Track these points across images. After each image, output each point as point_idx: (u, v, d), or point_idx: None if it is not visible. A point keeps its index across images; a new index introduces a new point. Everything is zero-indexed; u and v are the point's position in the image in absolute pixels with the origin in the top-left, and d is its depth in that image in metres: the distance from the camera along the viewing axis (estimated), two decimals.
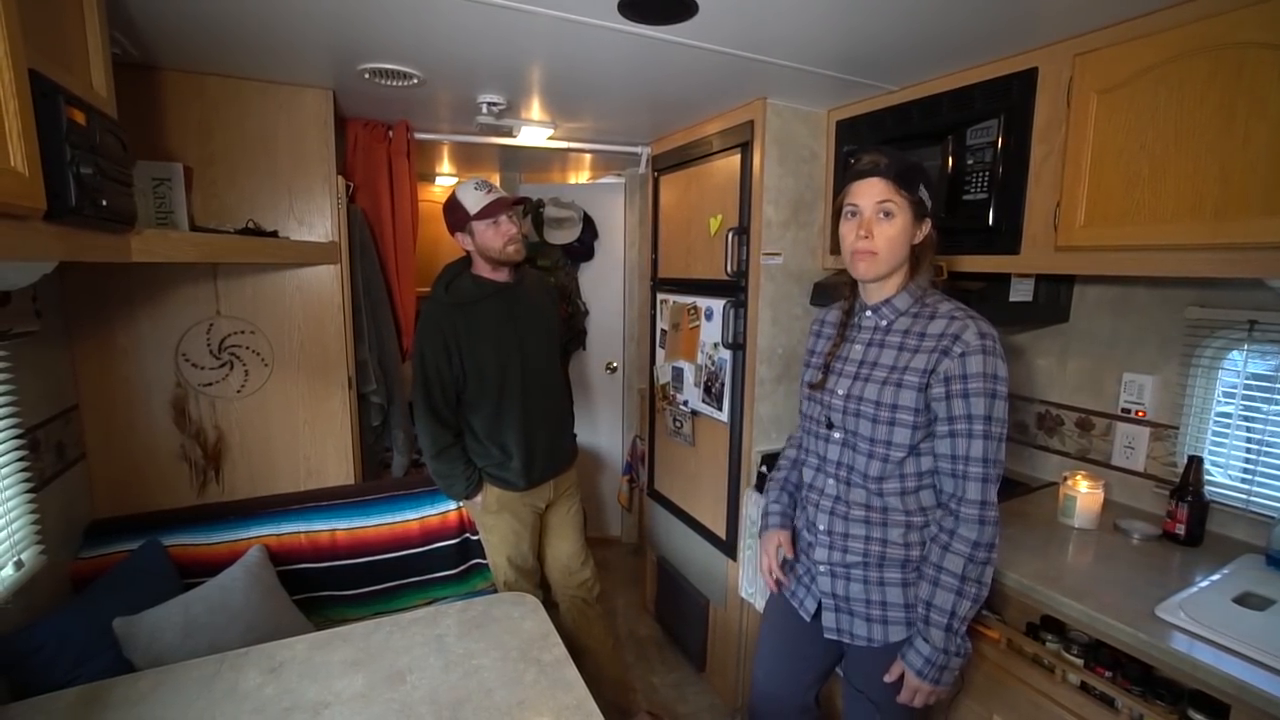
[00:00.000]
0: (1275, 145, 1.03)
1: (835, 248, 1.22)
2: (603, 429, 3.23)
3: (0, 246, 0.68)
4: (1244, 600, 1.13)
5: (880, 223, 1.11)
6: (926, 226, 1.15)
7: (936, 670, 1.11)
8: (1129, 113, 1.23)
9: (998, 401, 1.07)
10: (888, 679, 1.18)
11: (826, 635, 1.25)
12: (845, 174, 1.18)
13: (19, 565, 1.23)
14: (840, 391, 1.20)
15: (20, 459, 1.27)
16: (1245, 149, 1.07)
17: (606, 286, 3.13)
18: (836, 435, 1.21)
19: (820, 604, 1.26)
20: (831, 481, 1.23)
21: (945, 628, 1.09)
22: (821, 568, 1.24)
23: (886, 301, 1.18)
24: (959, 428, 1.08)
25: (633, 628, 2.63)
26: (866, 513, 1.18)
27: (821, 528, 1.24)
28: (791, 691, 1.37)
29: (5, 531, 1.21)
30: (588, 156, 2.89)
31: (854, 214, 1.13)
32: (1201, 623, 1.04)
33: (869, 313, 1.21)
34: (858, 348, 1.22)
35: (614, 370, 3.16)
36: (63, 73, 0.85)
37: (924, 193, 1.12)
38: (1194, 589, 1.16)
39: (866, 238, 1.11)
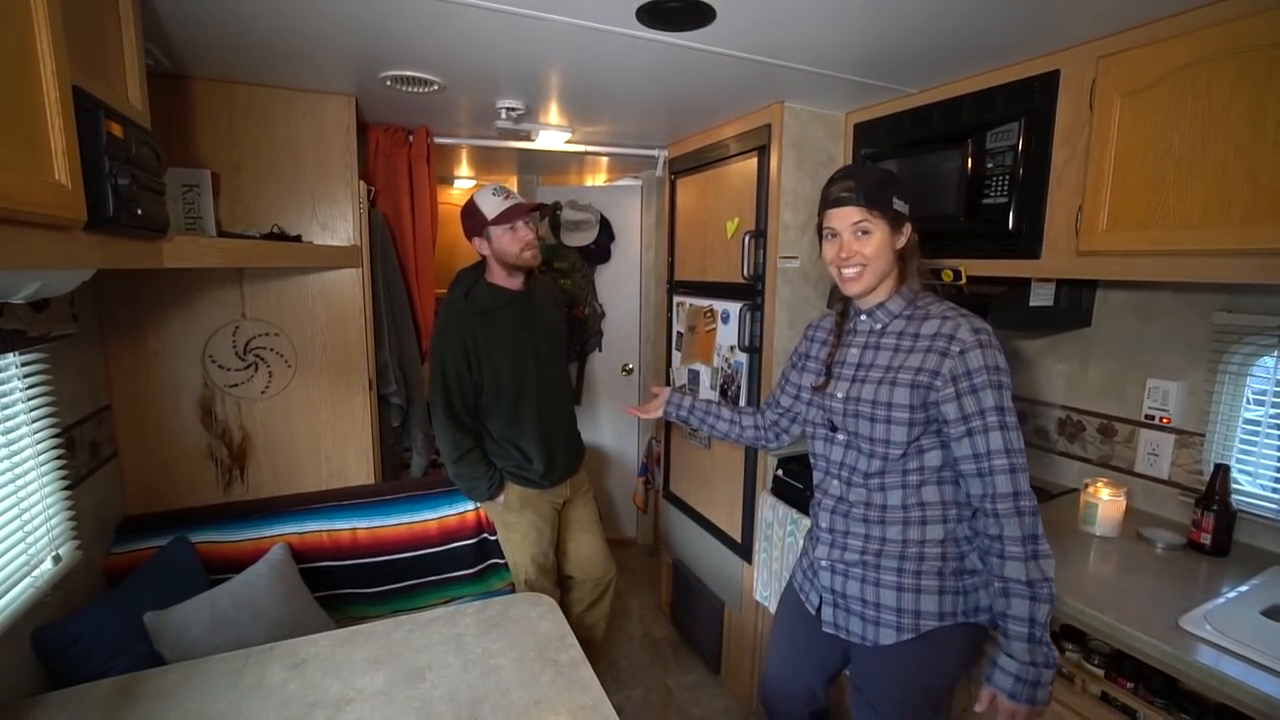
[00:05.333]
0: None
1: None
2: (619, 430, 3.24)
3: (46, 256, 0.72)
4: (1274, 613, 1.11)
5: (859, 240, 1.15)
6: (907, 231, 1.18)
7: (1029, 687, 1.04)
8: (1154, 115, 1.21)
9: (1004, 392, 1.08)
10: (979, 708, 1.11)
11: (825, 630, 1.27)
12: (821, 200, 1.21)
13: (57, 560, 1.27)
14: (839, 394, 1.23)
15: (58, 457, 1.31)
16: (1276, 152, 1.05)
17: (623, 288, 3.14)
18: (840, 437, 1.24)
19: (822, 599, 1.29)
20: (835, 482, 1.25)
21: (1027, 638, 1.04)
22: (823, 563, 1.27)
23: (880, 305, 1.21)
24: (974, 425, 1.08)
25: (648, 629, 2.63)
26: (865, 511, 1.20)
27: (824, 525, 1.27)
28: (800, 680, 1.39)
29: (45, 527, 1.26)
30: (605, 159, 2.91)
31: (833, 236, 1.18)
32: (1228, 635, 1.02)
33: (864, 317, 1.24)
34: (854, 351, 1.24)
35: (630, 372, 3.17)
36: (102, 87, 0.88)
37: (898, 203, 1.15)
38: (1220, 600, 1.14)
39: (848, 258, 1.16)
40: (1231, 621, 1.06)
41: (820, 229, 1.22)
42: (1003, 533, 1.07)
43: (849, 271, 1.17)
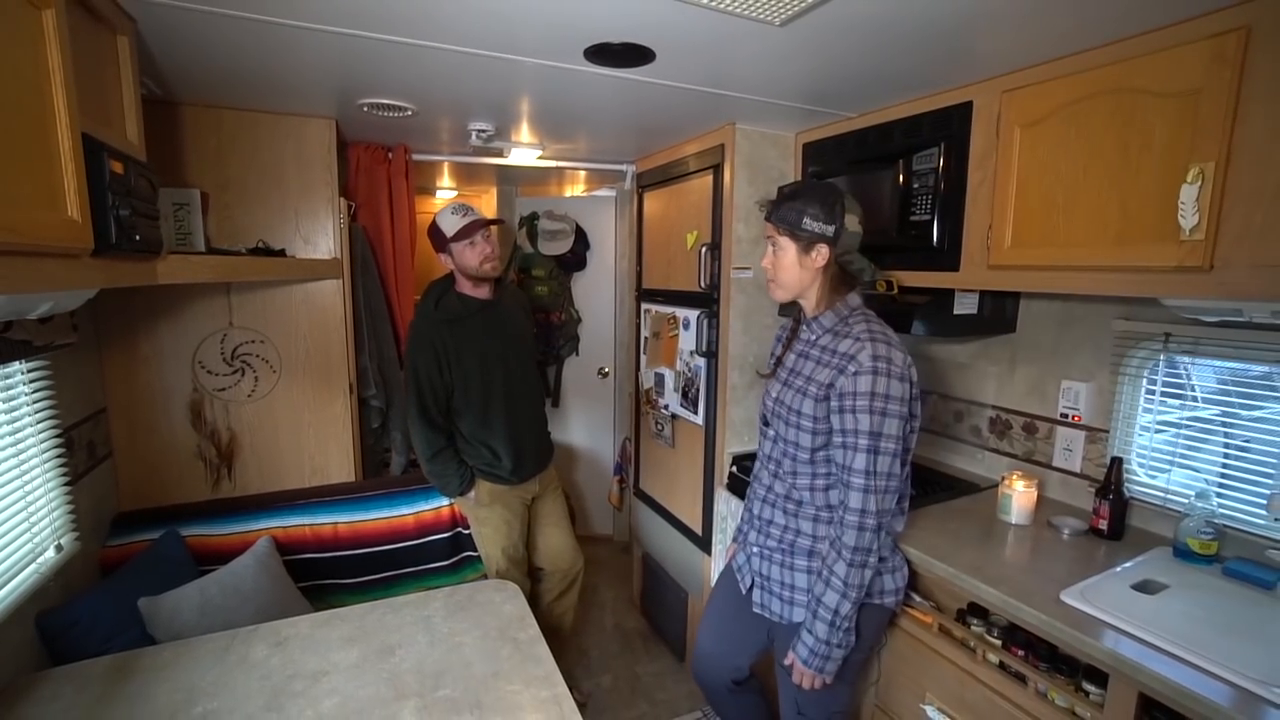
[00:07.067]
0: (1160, 180, 1.16)
1: None
2: (595, 431, 3.37)
3: (59, 280, 0.85)
4: (1143, 586, 1.25)
5: (774, 255, 1.31)
6: (823, 251, 1.27)
7: (820, 660, 1.25)
8: (1047, 145, 1.36)
9: (887, 419, 1.18)
10: (785, 662, 1.31)
11: (754, 610, 1.41)
12: None
13: (59, 549, 1.40)
14: (773, 394, 1.37)
15: (59, 455, 1.44)
16: (1137, 182, 1.20)
17: (598, 295, 3.27)
18: (770, 432, 1.38)
19: (753, 581, 1.42)
20: (765, 473, 1.39)
21: (829, 624, 1.23)
22: (754, 548, 1.41)
23: (816, 319, 1.33)
24: (847, 440, 1.21)
25: (620, 621, 2.76)
26: (785, 503, 1.34)
27: (755, 512, 1.41)
28: (729, 652, 1.52)
29: (47, 519, 1.38)
30: (582, 171, 3.05)
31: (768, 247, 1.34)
32: (1096, 605, 1.16)
33: (804, 327, 1.37)
34: (792, 356, 1.38)
35: (605, 375, 3.30)
36: (105, 129, 1.01)
37: (811, 224, 1.25)
38: (1098, 576, 1.28)
39: (768, 267, 1.32)
40: (1104, 594, 1.21)
41: None
42: (841, 537, 1.22)
43: (770, 283, 1.34)
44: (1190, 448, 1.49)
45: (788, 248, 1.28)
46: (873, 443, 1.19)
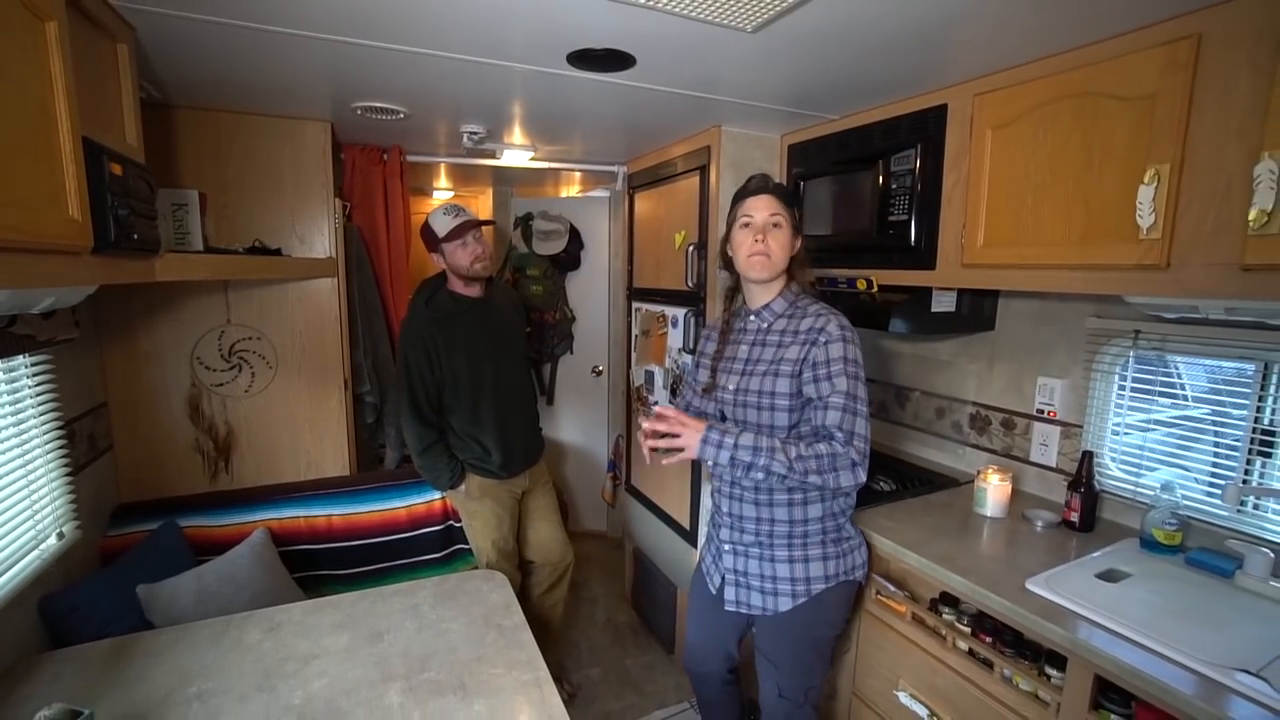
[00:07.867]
0: (1121, 181, 1.20)
1: (727, 262, 1.43)
2: (589, 429, 3.41)
3: (61, 276, 0.90)
4: (1107, 575, 1.29)
5: (771, 231, 1.32)
6: (799, 241, 1.37)
7: (713, 448, 1.22)
8: (1016, 147, 1.41)
9: (859, 383, 1.27)
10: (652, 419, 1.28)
11: (727, 608, 1.43)
12: (739, 192, 1.40)
13: (60, 536, 1.45)
14: (730, 387, 1.39)
15: (61, 447, 1.49)
16: (1100, 183, 1.24)
17: (592, 294, 3.32)
18: (732, 426, 1.40)
19: (724, 579, 1.44)
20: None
21: (752, 449, 1.20)
22: (726, 546, 1.43)
23: (766, 306, 1.38)
24: (831, 402, 1.25)
25: (611, 615, 2.80)
26: (755, 494, 1.36)
27: (724, 510, 1.43)
28: (716, 644, 1.56)
29: (50, 507, 1.43)
30: (576, 172, 3.09)
31: (748, 224, 1.34)
32: (1059, 593, 1.20)
33: (752, 317, 1.41)
34: (743, 348, 1.41)
35: (600, 374, 3.34)
36: (104, 133, 1.06)
37: (797, 210, 1.35)
38: (1064, 566, 1.32)
39: (761, 242, 1.32)
40: (1067, 582, 1.24)
41: (732, 223, 1.38)
42: (817, 443, 1.23)
43: (757, 257, 1.32)
44: (1182, 446, 1.51)
45: (785, 225, 1.33)
46: (849, 403, 1.24)
